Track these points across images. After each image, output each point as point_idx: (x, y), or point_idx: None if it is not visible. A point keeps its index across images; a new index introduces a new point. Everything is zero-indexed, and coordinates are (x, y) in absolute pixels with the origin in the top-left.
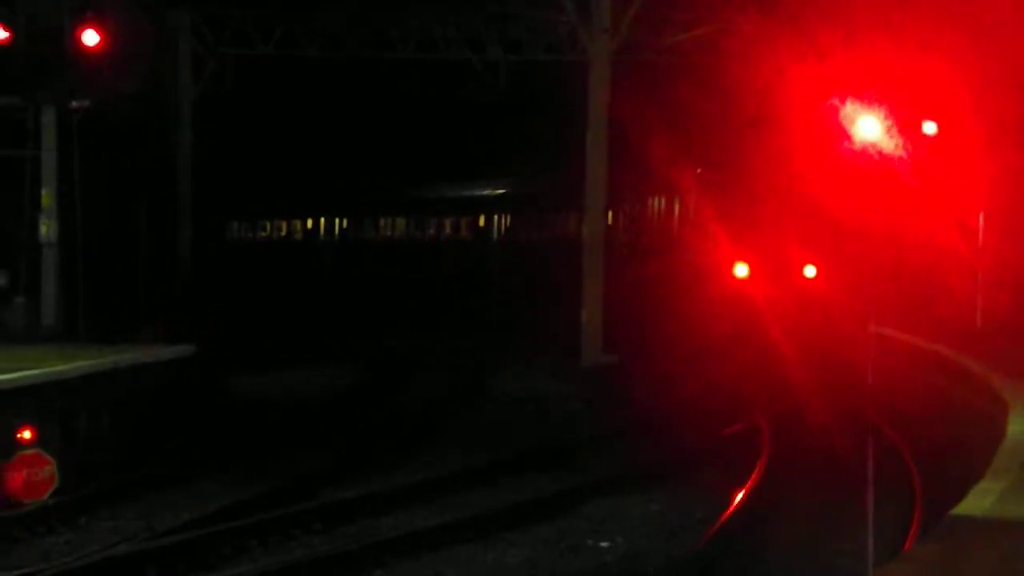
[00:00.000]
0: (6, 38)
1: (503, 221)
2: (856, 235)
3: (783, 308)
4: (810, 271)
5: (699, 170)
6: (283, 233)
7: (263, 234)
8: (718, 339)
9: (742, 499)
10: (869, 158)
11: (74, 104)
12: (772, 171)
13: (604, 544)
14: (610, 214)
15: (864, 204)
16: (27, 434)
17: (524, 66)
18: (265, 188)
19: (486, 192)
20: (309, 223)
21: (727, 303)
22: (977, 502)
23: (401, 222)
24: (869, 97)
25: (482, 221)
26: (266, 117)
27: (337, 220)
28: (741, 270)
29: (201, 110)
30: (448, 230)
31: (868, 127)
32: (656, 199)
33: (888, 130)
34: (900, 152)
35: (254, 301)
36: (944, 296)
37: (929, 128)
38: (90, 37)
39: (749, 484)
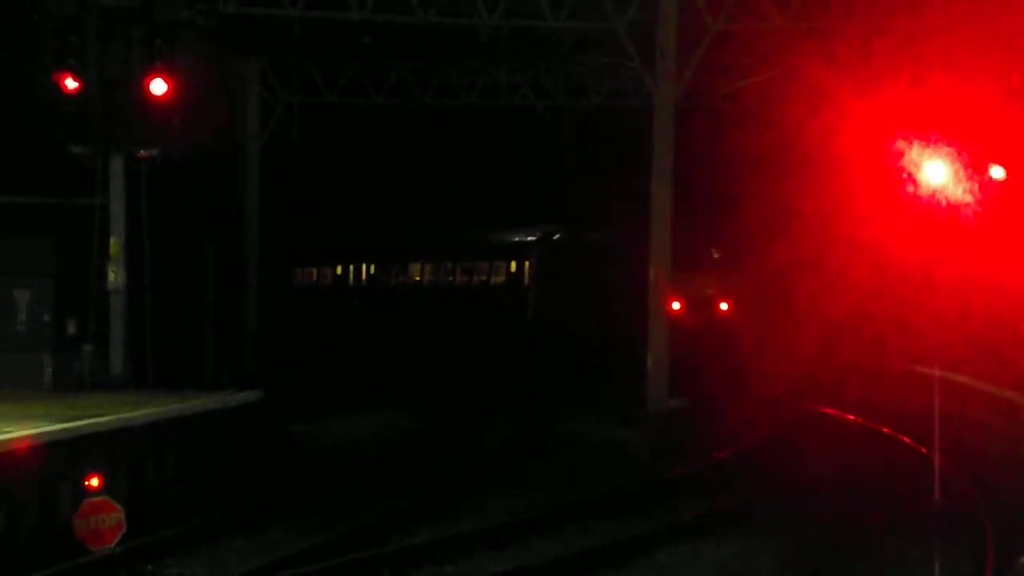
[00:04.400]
0: (76, 88)
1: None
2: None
3: (702, 333)
4: (723, 306)
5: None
6: (349, 280)
7: (328, 280)
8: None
9: (808, 545)
10: (935, 204)
11: (141, 152)
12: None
13: None
14: None
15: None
16: (95, 481)
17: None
18: (328, 234)
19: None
20: (375, 269)
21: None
22: None
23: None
24: (935, 140)
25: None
26: (330, 162)
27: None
28: (675, 305)
29: (266, 155)
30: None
31: (935, 172)
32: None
33: (955, 174)
34: (967, 198)
35: (321, 346)
36: (1015, 343)
37: (997, 172)
38: (158, 87)
39: (816, 529)
